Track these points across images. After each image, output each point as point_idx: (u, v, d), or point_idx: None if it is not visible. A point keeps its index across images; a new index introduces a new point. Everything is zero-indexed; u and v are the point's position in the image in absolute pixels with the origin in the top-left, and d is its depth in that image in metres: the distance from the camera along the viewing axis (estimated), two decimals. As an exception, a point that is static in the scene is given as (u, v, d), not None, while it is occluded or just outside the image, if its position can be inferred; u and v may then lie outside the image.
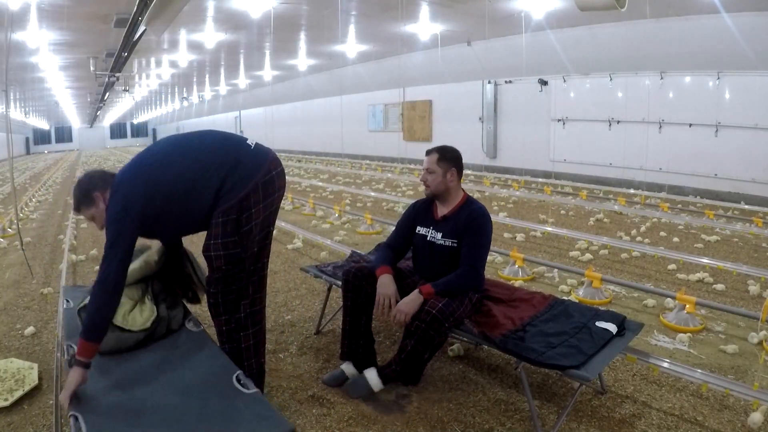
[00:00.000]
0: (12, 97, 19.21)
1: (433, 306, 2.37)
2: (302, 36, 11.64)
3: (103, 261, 2.06)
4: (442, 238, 2.65)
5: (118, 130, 46.33)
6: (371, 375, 2.52)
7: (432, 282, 2.54)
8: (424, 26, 10.18)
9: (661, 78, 9.71)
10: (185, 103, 28.80)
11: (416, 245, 2.79)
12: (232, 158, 2.22)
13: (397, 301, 2.49)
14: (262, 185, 2.22)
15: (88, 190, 2.24)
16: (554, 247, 5.69)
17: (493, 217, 6.95)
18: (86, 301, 2.44)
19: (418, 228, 2.77)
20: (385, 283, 2.55)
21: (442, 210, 2.72)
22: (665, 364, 2.61)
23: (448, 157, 2.68)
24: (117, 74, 13.14)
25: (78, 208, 2.28)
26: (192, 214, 2.23)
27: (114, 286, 2.05)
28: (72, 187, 2.36)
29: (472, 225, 2.59)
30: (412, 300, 2.45)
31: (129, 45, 9.07)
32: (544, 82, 11.92)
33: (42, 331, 3.45)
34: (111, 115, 39.73)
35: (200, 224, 2.27)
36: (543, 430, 2.28)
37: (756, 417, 2.26)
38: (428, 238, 2.71)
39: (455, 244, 2.62)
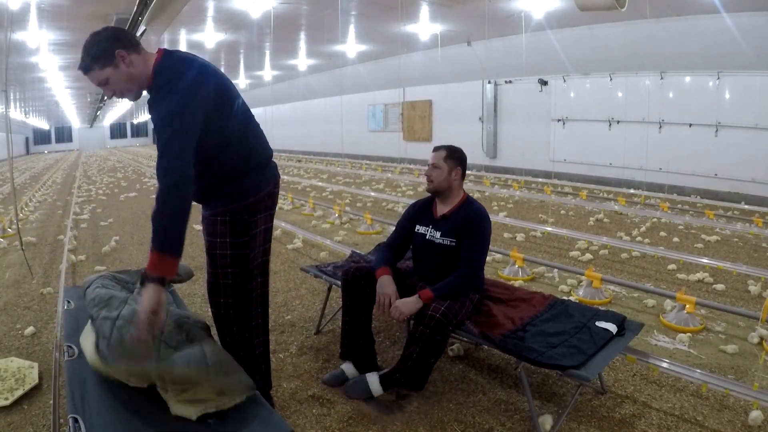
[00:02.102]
0: (12, 97, 19.20)
1: (436, 310, 2.36)
2: (302, 36, 11.64)
3: (161, 157, 1.71)
4: (441, 237, 2.65)
5: (118, 130, 46.25)
6: (372, 380, 2.51)
7: (431, 284, 2.54)
8: (424, 26, 10.18)
9: (661, 78, 9.71)
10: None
11: (416, 244, 2.79)
12: (266, 153, 2.23)
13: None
14: (268, 196, 2.24)
15: (110, 44, 1.77)
16: (554, 247, 5.69)
17: (493, 217, 6.99)
18: (91, 284, 2.37)
19: (418, 227, 2.77)
20: (385, 283, 2.55)
21: (441, 209, 2.72)
22: (665, 364, 2.61)
23: (456, 157, 2.70)
24: (117, 74, 13.12)
25: (88, 67, 1.80)
26: (220, 149, 1.99)
27: (184, 185, 1.72)
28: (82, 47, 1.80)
29: (471, 225, 2.59)
30: (412, 302, 2.45)
31: (129, 45, 9.07)
32: (544, 82, 11.92)
33: (42, 331, 3.45)
34: (111, 115, 39.71)
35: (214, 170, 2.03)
36: (543, 430, 2.28)
37: (756, 416, 2.27)
38: (427, 237, 2.71)
39: (453, 243, 2.62)
